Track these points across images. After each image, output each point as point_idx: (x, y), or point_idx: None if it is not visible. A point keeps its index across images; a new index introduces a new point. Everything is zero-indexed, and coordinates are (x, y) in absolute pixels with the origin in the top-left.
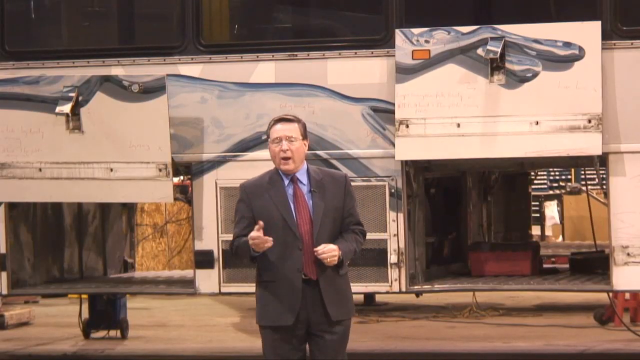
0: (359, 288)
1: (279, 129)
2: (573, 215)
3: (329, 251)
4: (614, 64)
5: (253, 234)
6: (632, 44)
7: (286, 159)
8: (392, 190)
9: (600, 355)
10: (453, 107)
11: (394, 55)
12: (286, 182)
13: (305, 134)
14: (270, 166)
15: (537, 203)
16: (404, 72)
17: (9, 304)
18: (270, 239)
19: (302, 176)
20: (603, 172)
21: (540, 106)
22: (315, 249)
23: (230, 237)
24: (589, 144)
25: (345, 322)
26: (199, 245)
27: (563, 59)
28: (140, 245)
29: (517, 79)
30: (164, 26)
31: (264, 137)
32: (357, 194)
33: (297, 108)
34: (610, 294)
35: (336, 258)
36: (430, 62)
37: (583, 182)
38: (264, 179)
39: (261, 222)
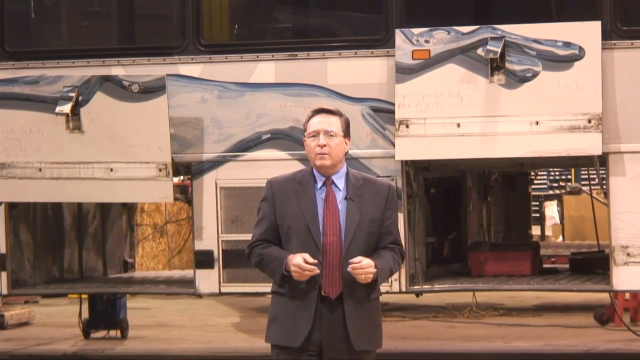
0: None
1: (318, 122)
2: (573, 215)
3: (367, 266)
4: (614, 64)
5: (300, 263)
6: (632, 44)
7: (323, 154)
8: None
9: (600, 355)
10: (453, 107)
11: (394, 55)
12: (319, 184)
13: (347, 131)
14: (271, 168)
15: (537, 203)
16: (404, 72)
17: (9, 303)
18: (317, 270)
19: (339, 180)
20: (603, 172)
21: (540, 106)
22: (352, 261)
23: (230, 237)
24: (589, 144)
25: (370, 354)
26: (199, 245)
27: (563, 59)
28: (140, 245)
29: (517, 79)
30: (164, 26)
31: (262, 134)
32: None
33: (297, 108)
34: (611, 294)
35: (371, 276)
36: (430, 62)
37: (584, 182)
38: (295, 177)
39: (311, 261)
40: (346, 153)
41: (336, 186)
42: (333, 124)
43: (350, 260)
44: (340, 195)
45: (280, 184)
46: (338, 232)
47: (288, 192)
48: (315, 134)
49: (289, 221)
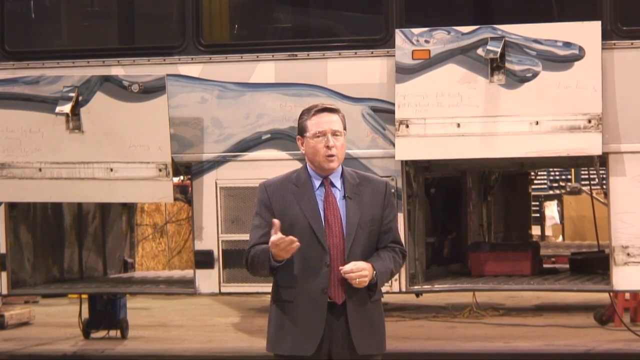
0: None
1: (323, 122)
2: (573, 215)
3: (358, 270)
4: (614, 64)
5: (274, 238)
6: (632, 44)
7: (332, 156)
8: (392, 190)
9: (600, 355)
10: (453, 107)
11: (394, 55)
12: (317, 184)
13: (345, 128)
14: (271, 168)
15: (537, 203)
16: (404, 72)
17: (9, 303)
18: (295, 239)
19: (336, 178)
20: (603, 172)
21: (540, 106)
22: (341, 267)
23: (230, 237)
24: (589, 144)
25: (374, 357)
26: (199, 245)
27: (563, 59)
28: (140, 245)
29: (517, 79)
30: (164, 26)
31: (262, 134)
32: None
33: (297, 108)
34: (611, 294)
35: (366, 279)
36: (430, 62)
37: (584, 182)
38: (290, 178)
39: (277, 221)
40: None
41: (334, 185)
42: (337, 122)
43: (340, 268)
44: (338, 195)
45: (275, 186)
46: (341, 232)
47: (285, 194)
48: (322, 134)
49: (289, 224)
